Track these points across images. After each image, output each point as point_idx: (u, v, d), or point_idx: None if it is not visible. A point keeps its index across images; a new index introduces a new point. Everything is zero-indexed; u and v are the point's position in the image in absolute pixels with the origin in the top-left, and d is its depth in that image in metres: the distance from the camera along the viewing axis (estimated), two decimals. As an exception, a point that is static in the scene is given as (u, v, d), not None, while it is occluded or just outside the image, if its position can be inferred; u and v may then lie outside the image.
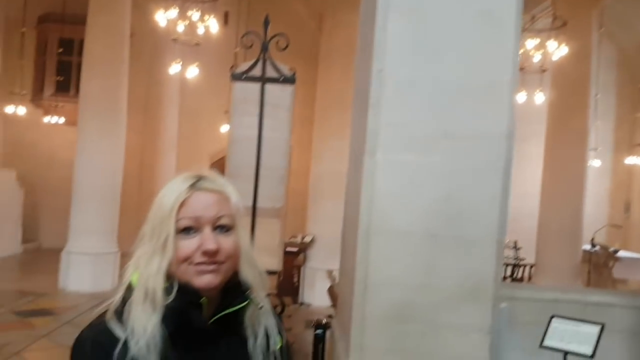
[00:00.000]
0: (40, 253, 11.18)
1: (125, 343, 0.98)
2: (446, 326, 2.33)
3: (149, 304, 1.01)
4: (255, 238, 2.76)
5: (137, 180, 10.67)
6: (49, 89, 11.88)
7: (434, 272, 2.32)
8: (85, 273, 8.04)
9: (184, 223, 1.03)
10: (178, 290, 1.01)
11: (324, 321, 2.98)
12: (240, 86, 2.94)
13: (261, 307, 1.10)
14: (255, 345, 1.09)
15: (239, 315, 1.07)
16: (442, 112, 2.33)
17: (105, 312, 1.04)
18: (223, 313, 1.05)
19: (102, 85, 8.25)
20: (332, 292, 6.19)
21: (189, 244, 1.03)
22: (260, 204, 2.83)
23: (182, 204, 1.03)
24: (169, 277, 1.03)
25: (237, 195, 1.10)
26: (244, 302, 1.06)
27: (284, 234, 3.04)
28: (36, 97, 11.79)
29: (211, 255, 1.02)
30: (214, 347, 1.05)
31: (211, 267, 1.03)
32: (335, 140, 8.33)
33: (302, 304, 8.48)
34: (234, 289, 1.06)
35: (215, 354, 1.05)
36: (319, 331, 2.86)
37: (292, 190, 4.87)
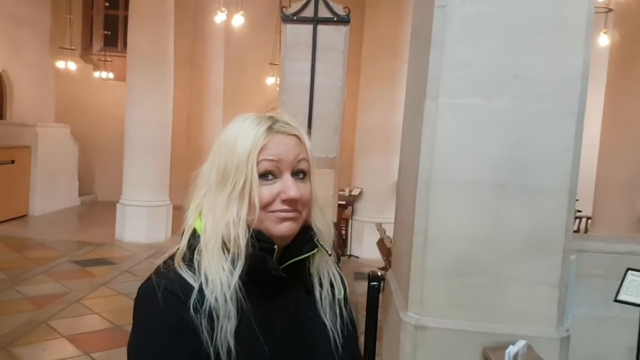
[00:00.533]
0: (97, 205, 11.58)
1: (201, 291, 0.92)
2: (512, 280, 2.22)
3: (226, 252, 0.96)
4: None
5: (185, 134, 10.77)
6: (97, 44, 12.02)
7: (500, 224, 2.19)
8: (139, 224, 8.27)
9: (265, 167, 0.97)
10: (251, 238, 0.96)
11: (379, 273, 2.91)
12: (291, 29, 2.78)
13: (330, 255, 1.06)
14: (322, 294, 1.06)
15: (306, 263, 1.04)
16: (512, 51, 2.14)
17: (169, 260, 0.98)
18: (293, 260, 1.01)
19: (148, 38, 8.23)
20: (381, 244, 6.15)
21: (269, 190, 0.97)
22: (314, 154, 2.69)
23: (261, 148, 0.96)
24: None
25: (309, 139, 1.03)
26: (313, 249, 1.02)
27: (338, 185, 2.94)
28: (85, 52, 11.95)
29: (291, 204, 0.97)
30: (284, 295, 1.01)
31: (291, 214, 0.98)
32: (383, 90, 8.11)
33: (350, 256, 8.51)
34: (302, 236, 1.02)
35: (285, 302, 1.01)
36: (374, 283, 2.80)
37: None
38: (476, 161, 2.16)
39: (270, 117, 1.00)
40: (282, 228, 0.97)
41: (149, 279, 0.97)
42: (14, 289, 5.81)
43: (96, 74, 11.68)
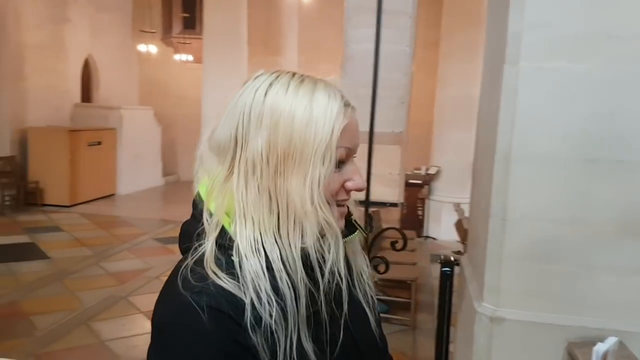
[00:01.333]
0: (179, 185, 12.00)
1: (252, 305, 0.77)
2: (602, 267, 1.96)
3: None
4: (372, 167, 2.50)
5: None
6: (176, 27, 12.33)
7: (588, 203, 1.93)
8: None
9: (340, 156, 0.83)
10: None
11: (452, 258, 2.71)
12: (354, -8, 2.59)
13: (367, 235, 0.96)
14: (354, 278, 0.95)
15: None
16: (603, 7, 1.85)
17: (195, 267, 0.80)
18: None
19: (222, 20, 8.30)
20: (459, 226, 5.87)
21: (338, 179, 0.84)
22: (378, 128, 2.50)
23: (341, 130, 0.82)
24: None
25: None
26: (353, 231, 0.91)
27: (405, 162, 2.73)
28: (165, 36, 12.30)
29: (350, 194, 0.87)
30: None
31: (345, 208, 0.87)
32: (462, 63, 7.73)
33: (426, 237, 8.26)
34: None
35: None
36: (446, 269, 2.60)
37: (415, 119, 4.52)
38: (562, 133, 1.90)
39: (336, 88, 0.85)
40: (341, 224, 0.86)
41: (179, 294, 0.78)
42: (98, 265, 6.09)
43: (176, 57, 12.00)
